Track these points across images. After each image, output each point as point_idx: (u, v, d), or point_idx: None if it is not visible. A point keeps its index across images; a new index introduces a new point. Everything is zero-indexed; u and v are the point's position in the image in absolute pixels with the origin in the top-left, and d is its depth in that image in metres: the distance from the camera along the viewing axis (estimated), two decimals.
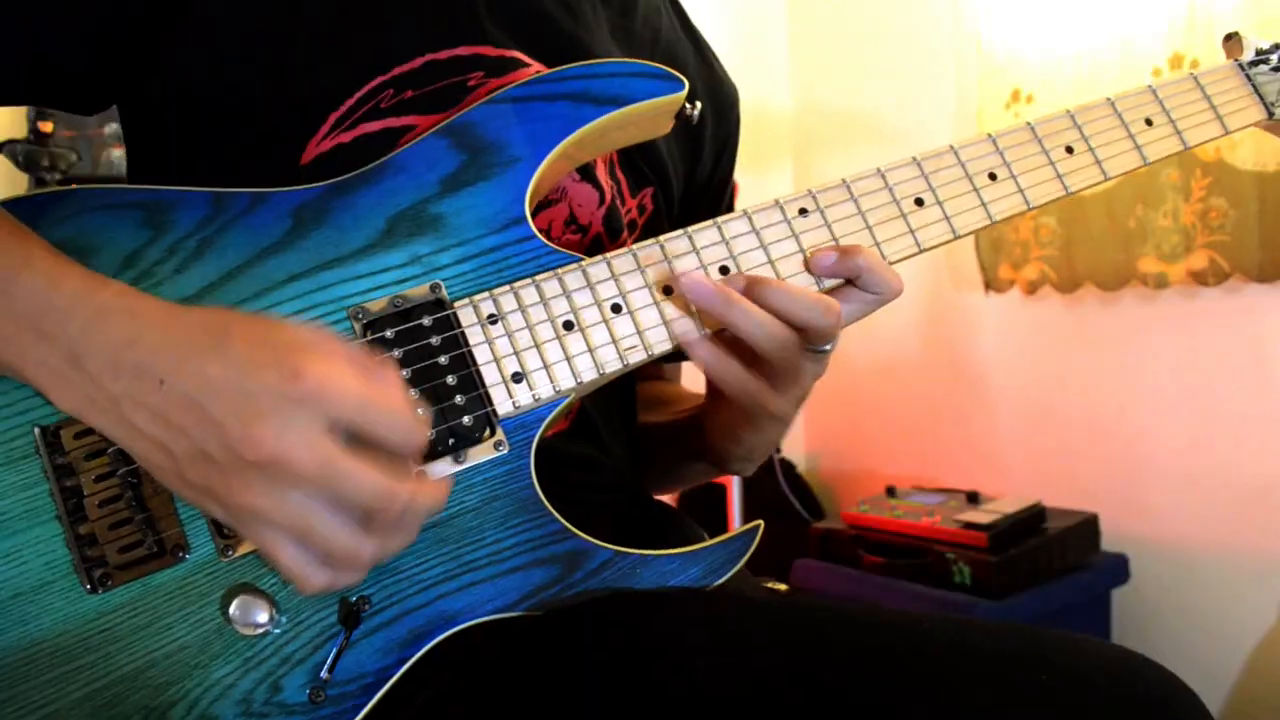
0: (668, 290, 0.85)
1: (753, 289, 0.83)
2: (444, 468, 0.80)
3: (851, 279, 0.87)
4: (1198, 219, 2.40)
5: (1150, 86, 0.99)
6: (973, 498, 2.58)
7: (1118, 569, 2.53)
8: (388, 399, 0.68)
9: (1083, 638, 0.74)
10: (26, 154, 2.20)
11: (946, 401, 3.09)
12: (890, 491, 2.75)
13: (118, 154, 2.40)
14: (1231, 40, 1.05)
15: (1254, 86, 1.02)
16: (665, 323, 0.85)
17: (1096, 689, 0.68)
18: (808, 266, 0.87)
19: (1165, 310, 2.56)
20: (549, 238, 0.86)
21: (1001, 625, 0.76)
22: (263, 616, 0.76)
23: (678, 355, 0.90)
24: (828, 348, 0.87)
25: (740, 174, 1.25)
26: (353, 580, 0.72)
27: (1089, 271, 2.65)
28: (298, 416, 0.65)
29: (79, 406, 0.71)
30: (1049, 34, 2.66)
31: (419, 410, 0.73)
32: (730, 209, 1.23)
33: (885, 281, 0.86)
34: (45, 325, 0.71)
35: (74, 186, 0.81)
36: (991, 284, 2.89)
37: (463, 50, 0.90)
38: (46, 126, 2.21)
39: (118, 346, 0.70)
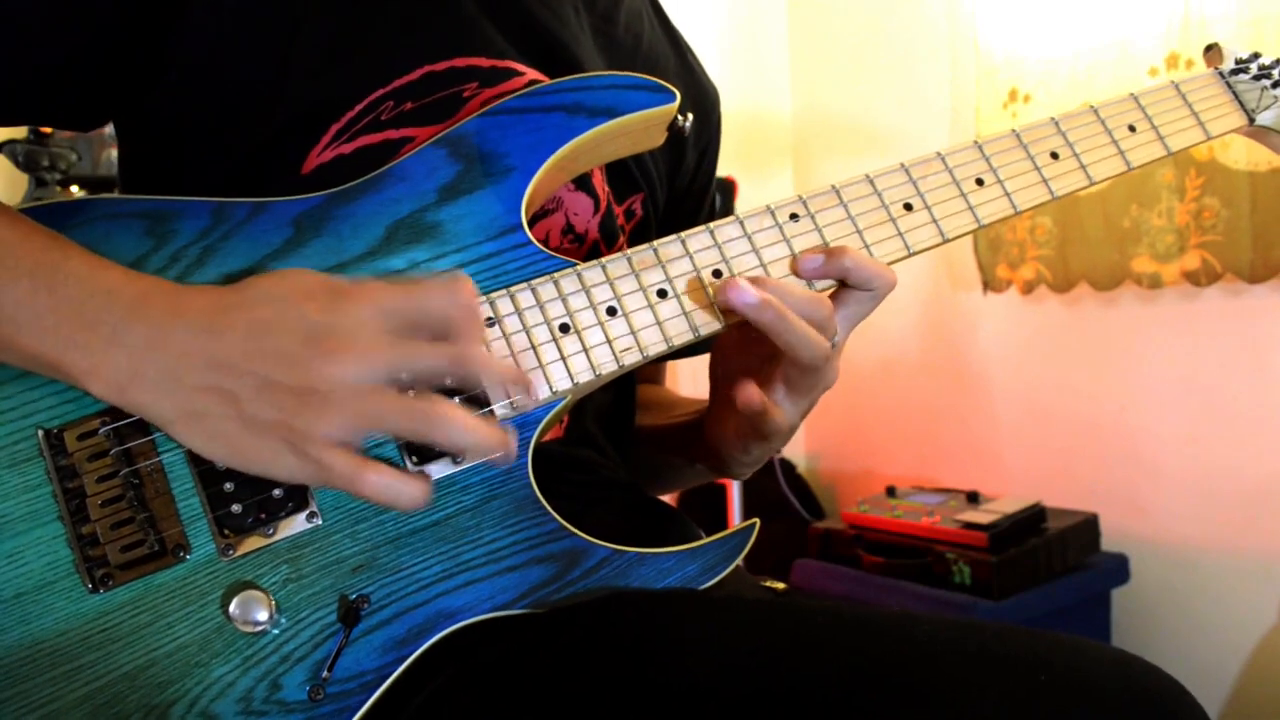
0: (662, 293, 0.86)
1: (839, 257, 0.86)
2: (442, 468, 0.81)
3: (841, 279, 0.88)
4: (1191, 218, 2.40)
5: (1132, 94, 1.01)
6: (973, 498, 2.59)
7: (1118, 569, 2.53)
8: (420, 282, 0.74)
9: (1083, 640, 0.74)
10: (26, 154, 2.21)
11: (946, 401, 3.10)
12: (890, 491, 2.76)
13: (118, 154, 2.39)
14: (1212, 51, 1.07)
15: (1234, 94, 1.04)
16: (660, 324, 0.86)
17: (1096, 692, 0.68)
18: (795, 270, 0.88)
19: (1165, 310, 2.56)
20: (547, 247, 0.87)
21: (1001, 627, 0.76)
22: (262, 615, 0.77)
23: (672, 356, 0.91)
24: (831, 345, 0.88)
25: (741, 177, 1.26)
26: (412, 499, 0.74)
27: (1084, 271, 2.65)
28: (355, 321, 0.71)
29: (120, 385, 0.74)
30: (1046, 34, 2.67)
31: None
32: (712, 213, 1.24)
33: (876, 275, 0.87)
34: (87, 313, 0.73)
35: (76, 197, 0.82)
36: (990, 284, 2.90)
37: (459, 61, 0.91)
38: (46, 127, 2.21)
39: (162, 319, 0.73)
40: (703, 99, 1.19)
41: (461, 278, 0.75)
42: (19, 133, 2.22)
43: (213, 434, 0.74)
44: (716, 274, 0.87)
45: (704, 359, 1.00)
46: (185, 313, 0.73)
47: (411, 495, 0.74)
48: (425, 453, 0.80)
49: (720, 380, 1.00)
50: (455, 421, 0.72)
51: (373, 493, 0.73)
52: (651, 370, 1.28)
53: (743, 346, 0.92)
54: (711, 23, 3.33)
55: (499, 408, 0.82)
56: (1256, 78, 1.05)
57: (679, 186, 1.16)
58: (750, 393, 0.87)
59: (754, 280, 0.84)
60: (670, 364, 1.28)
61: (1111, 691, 0.69)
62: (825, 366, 0.88)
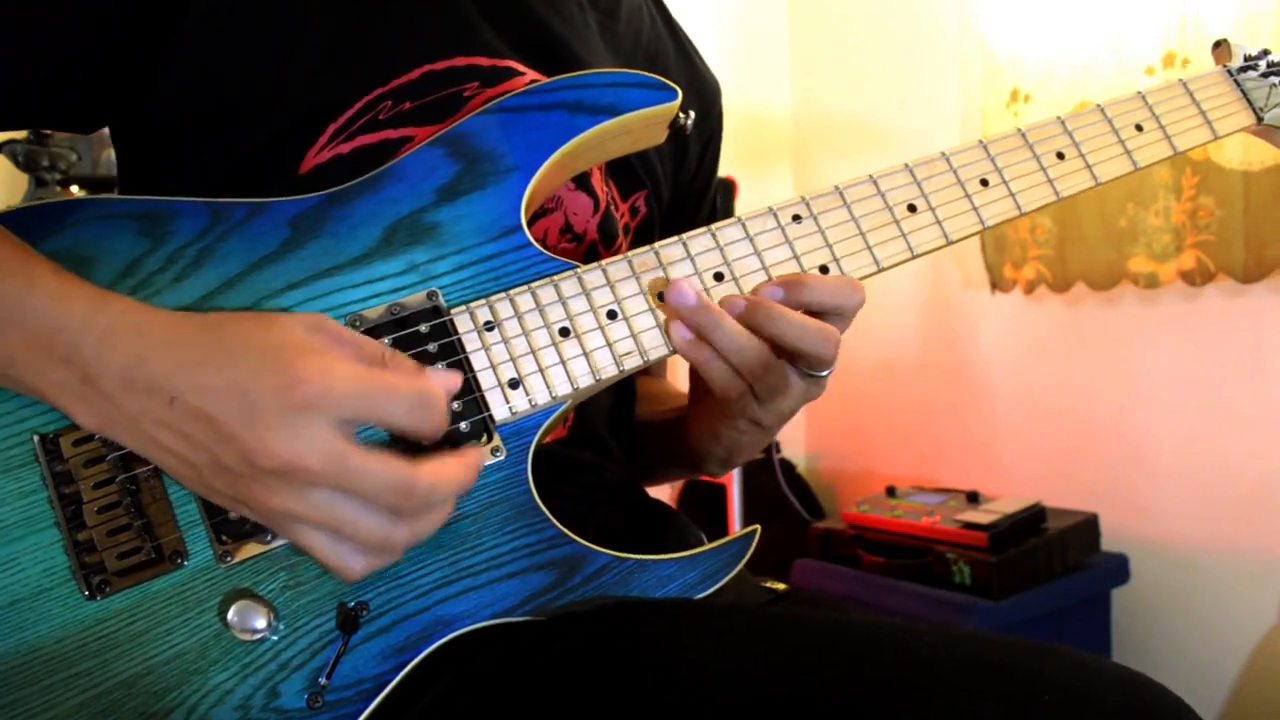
0: (663, 296, 0.85)
1: (755, 313, 0.84)
2: None
3: (805, 309, 0.86)
4: (1187, 218, 2.40)
5: (1140, 93, 0.99)
6: (973, 498, 2.58)
7: (1118, 569, 2.52)
8: (389, 386, 0.70)
9: (1088, 656, 0.73)
10: (26, 154, 2.20)
11: (946, 401, 3.10)
12: (890, 491, 2.75)
13: (115, 155, 2.39)
14: (1220, 47, 1.06)
15: (1243, 92, 1.03)
16: (660, 327, 0.85)
17: (1097, 706, 0.68)
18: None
19: (1166, 310, 2.56)
20: (545, 246, 0.86)
21: (1002, 639, 0.75)
22: (261, 622, 0.76)
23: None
24: (825, 373, 0.88)
25: (741, 177, 1.26)
26: (392, 560, 0.74)
27: (1081, 271, 2.65)
28: (304, 423, 0.67)
29: (103, 425, 0.73)
30: (1045, 33, 2.66)
31: (439, 378, 0.74)
32: (714, 208, 1.24)
33: (840, 299, 0.86)
34: (58, 349, 0.72)
35: (73, 197, 0.81)
36: (998, 284, 2.89)
37: (459, 61, 0.91)
38: (45, 129, 2.21)
39: (127, 366, 0.71)
40: (704, 92, 1.18)
41: (433, 395, 0.71)
42: (19, 133, 2.22)
43: (186, 481, 0.74)
44: (718, 276, 0.87)
45: None
46: (145, 361, 0.71)
47: (354, 574, 0.73)
48: (419, 447, 0.79)
49: (698, 377, 1.00)
50: (444, 487, 0.72)
51: (321, 564, 0.73)
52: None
53: None
54: (711, 22, 3.32)
55: (498, 412, 0.81)
56: (1265, 75, 1.03)
57: (682, 182, 1.16)
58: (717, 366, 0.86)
59: (760, 305, 0.84)
60: (672, 358, 1.28)
61: (1112, 706, 0.68)
62: (789, 378, 0.88)
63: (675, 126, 0.92)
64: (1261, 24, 2.22)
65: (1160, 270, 2.47)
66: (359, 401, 0.68)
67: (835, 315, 0.86)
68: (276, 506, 0.69)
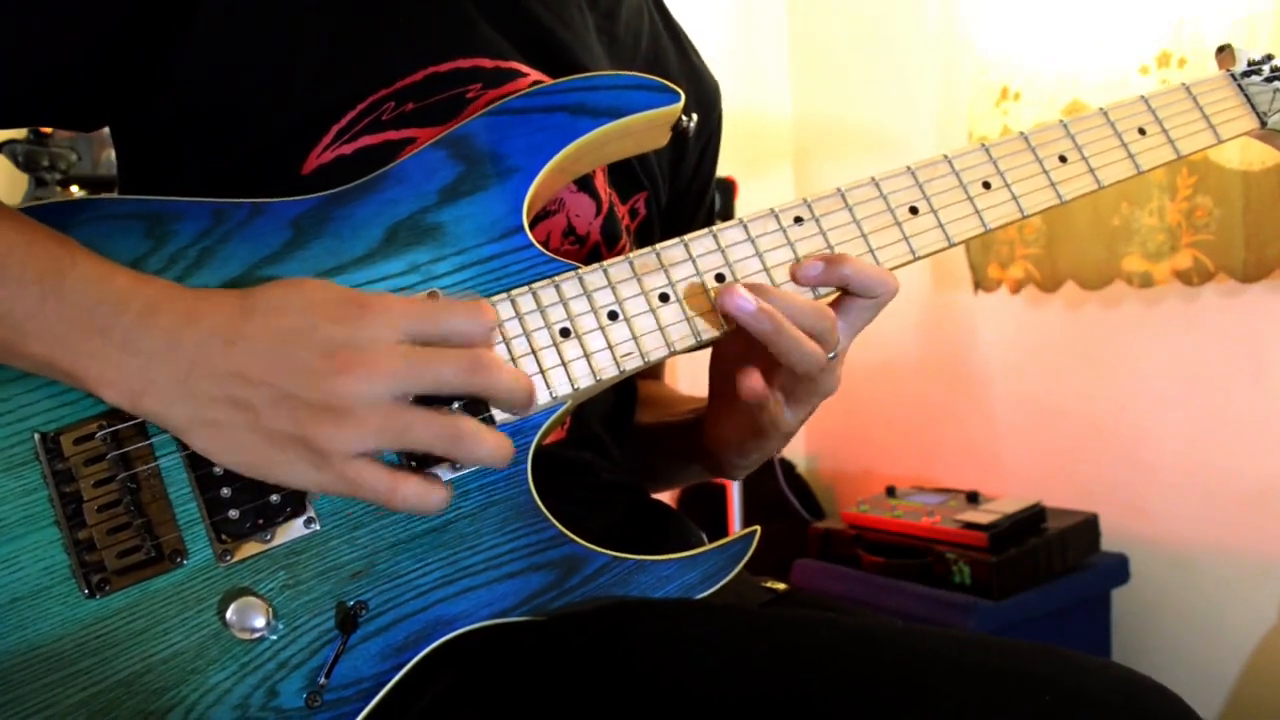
0: (664, 297, 0.85)
1: (839, 265, 0.86)
2: (441, 474, 0.80)
3: (842, 287, 0.87)
4: (1184, 217, 2.39)
5: (1143, 96, 0.99)
6: (973, 498, 2.58)
7: (1118, 569, 2.52)
8: (445, 304, 0.75)
9: (1088, 657, 0.73)
10: (26, 154, 2.20)
11: (946, 401, 3.09)
12: (890, 491, 2.75)
13: (116, 155, 2.39)
14: (1224, 52, 1.06)
15: (1246, 96, 1.03)
16: (662, 329, 0.85)
17: (1100, 709, 0.68)
18: (794, 277, 0.87)
19: (1165, 310, 2.56)
20: (548, 248, 0.86)
21: (1004, 642, 0.75)
22: (260, 621, 0.76)
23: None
24: (832, 356, 0.88)
25: (741, 178, 1.26)
26: (440, 504, 0.75)
27: (1071, 270, 2.64)
28: (373, 336, 0.71)
29: (133, 392, 0.73)
30: (1036, 31, 2.65)
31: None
32: (712, 209, 1.24)
33: (878, 282, 0.87)
34: (98, 319, 0.72)
35: (74, 198, 0.81)
36: (981, 284, 2.89)
37: (462, 62, 0.91)
38: (46, 127, 2.21)
39: (176, 326, 0.72)
40: (704, 94, 1.18)
41: (484, 304, 0.76)
42: (19, 133, 2.22)
43: (230, 444, 0.73)
44: (719, 278, 0.87)
45: (704, 356, 0.99)
46: (199, 319, 0.73)
47: (440, 502, 0.75)
48: (425, 459, 0.79)
49: (719, 380, 1.00)
50: (481, 440, 0.73)
51: (405, 505, 0.74)
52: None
53: (745, 348, 0.92)
54: (711, 23, 3.32)
55: (499, 413, 0.81)
56: (1269, 79, 1.03)
57: (680, 183, 1.16)
58: (754, 380, 0.86)
59: (754, 288, 0.83)
60: (670, 360, 1.28)
61: (1113, 707, 0.68)
62: (824, 375, 0.88)
63: (678, 129, 0.92)
64: (1260, 25, 2.21)
65: (1154, 269, 2.46)
66: (420, 317, 0.73)
67: (866, 300, 0.88)
68: (331, 431, 0.70)
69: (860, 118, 3.29)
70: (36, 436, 0.77)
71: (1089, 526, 2.52)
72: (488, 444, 0.73)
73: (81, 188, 2.32)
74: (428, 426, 0.72)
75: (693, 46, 1.19)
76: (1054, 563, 2.42)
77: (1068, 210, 2.61)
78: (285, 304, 0.73)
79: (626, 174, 1.04)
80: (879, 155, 3.13)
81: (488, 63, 0.92)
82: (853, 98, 3.32)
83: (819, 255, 0.88)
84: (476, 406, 0.80)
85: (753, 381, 0.86)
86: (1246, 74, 1.04)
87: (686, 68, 1.16)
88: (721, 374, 0.99)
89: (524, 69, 0.94)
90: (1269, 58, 1.04)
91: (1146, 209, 2.46)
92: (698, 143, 1.17)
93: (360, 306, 0.72)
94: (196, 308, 0.73)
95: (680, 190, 1.16)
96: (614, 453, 1.05)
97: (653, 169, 1.07)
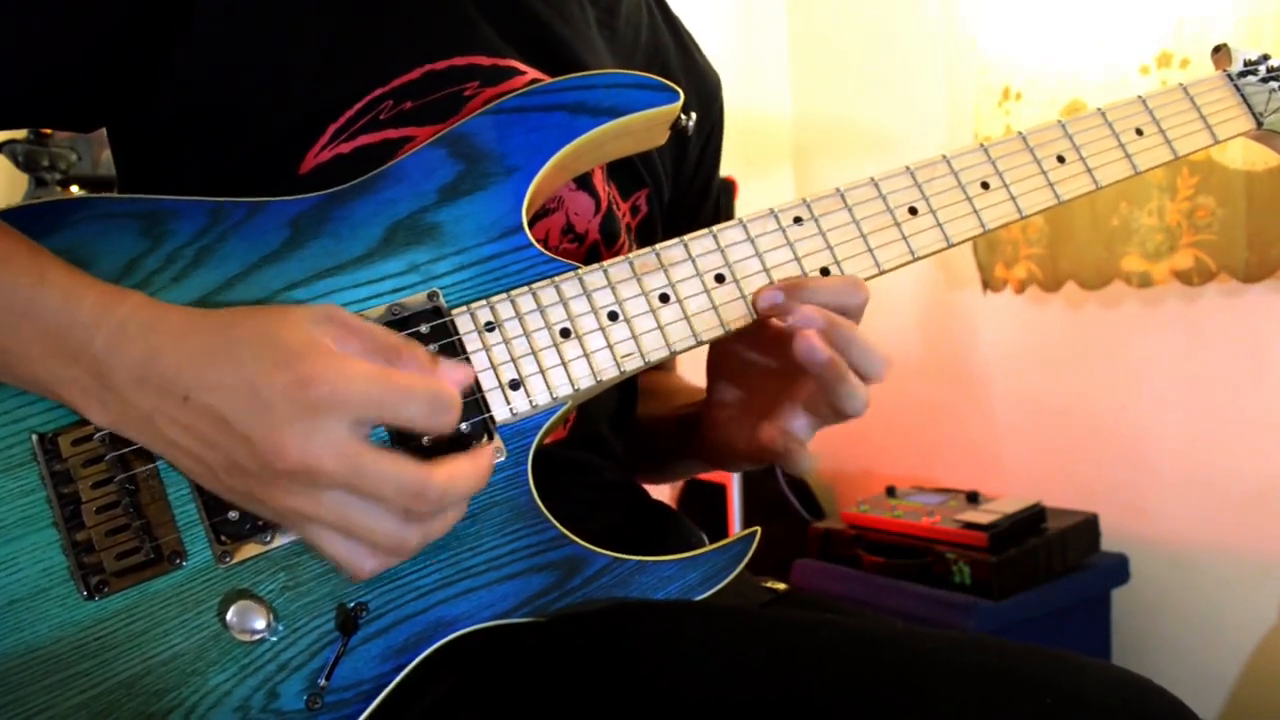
0: (664, 298, 0.85)
1: (798, 292, 0.85)
2: None
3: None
4: (1184, 218, 2.39)
5: (1140, 97, 1.00)
6: (973, 498, 2.58)
7: (1118, 569, 2.52)
8: (404, 388, 0.69)
9: (1089, 660, 0.73)
10: (26, 154, 2.20)
11: (946, 401, 3.09)
12: (890, 491, 2.75)
13: (113, 155, 2.38)
14: (1220, 52, 1.06)
15: (1243, 97, 1.03)
16: (662, 329, 0.85)
17: (1101, 713, 0.67)
18: (755, 307, 0.87)
19: (1166, 310, 2.55)
20: (547, 247, 0.86)
21: (1005, 644, 0.75)
22: (260, 623, 0.76)
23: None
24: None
25: (741, 178, 1.25)
26: (403, 560, 0.74)
27: (1072, 270, 2.64)
28: (317, 424, 0.67)
29: (117, 423, 0.73)
30: (1038, 31, 2.65)
31: (454, 373, 0.73)
32: (716, 206, 1.23)
33: (844, 296, 0.86)
34: (70, 346, 0.72)
35: (73, 196, 0.81)
36: (989, 284, 2.89)
37: (459, 60, 0.91)
38: (45, 128, 2.20)
39: (139, 363, 0.71)
40: (704, 88, 1.18)
41: (446, 386, 0.71)
42: (19, 133, 2.22)
43: (201, 479, 0.74)
44: (719, 278, 0.86)
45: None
46: (157, 358, 0.70)
47: (366, 573, 0.73)
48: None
49: (718, 377, 0.99)
50: (450, 488, 0.71)
51: (334, 563, 0.73)
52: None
53: (747, 345, 0.92)
54: (711, 23, 3.32)
55: (499, 413, 0.81)
56: (1265, 80, 1.03)
57: (683, 179, 1.16)
58: (773, 435, 0.89)
59: (798, 285, 0.85)
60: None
61: (1113, 710, 0.68)
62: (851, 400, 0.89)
63: (677, 127, 0.92)
64: (1264, 26, 2.21)
65: (1154, 269, 2.46)
66: (372, 403, 0.68)
67: (840, 316, 0.86)
68: (291, 506, 0.69)
69: (860, 118, 3.28)
70: (34, 437, 0.77)
71: (1089, 526, 2.52)
72: (459, 493, 0.72)
73: (81, 188, 2.31)
74: (381, 530, 0.71)
75: (693, 41, 1.19)
76: (1054, 563, 2.41)
77: (1068, 210, 2.60)
78: (235, 354, 0.70)
79: (628, 171, 1.04)
80: (879, 155, 3.13)
81: (485, 60, 0.92)
82: (853, 98, 3.32)
83: (779, 284, 0.87)
84: (476, 408, 0.80)
85: (771, 437, 0.89)
86: (1243, 74, 1.04)
87: (687, 63, 1.16)
88: (721, 372, 0.99)
89: (522, 67, 0.93)
90: (1265, 58, 1.04)
91: (1145, 209, 2.46)
92: (699, 138, 1.17)
93: (305, 386, 0.67)
94: (159, 345, 0.71)
95: (683, 186, 1.16)
96: (617, 452, 1.05)
97: (655, 166, 1.07)
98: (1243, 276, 2.32)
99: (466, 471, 0.72)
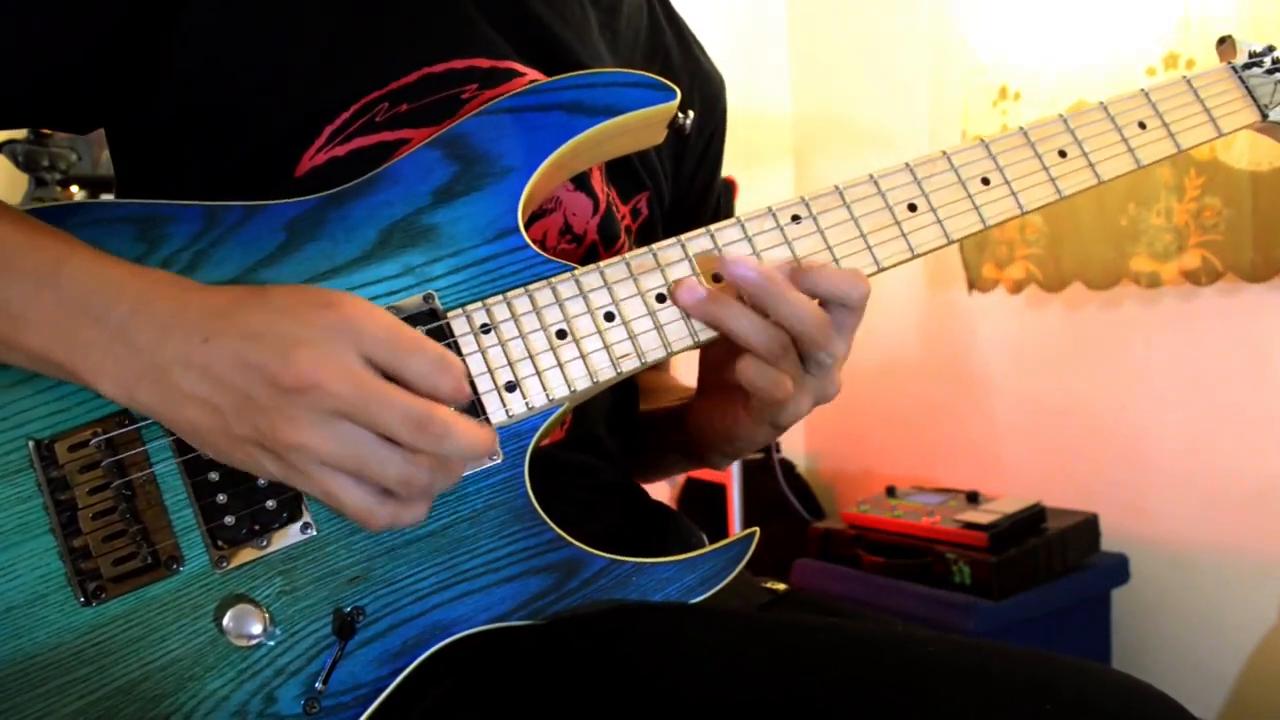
0: (661, 298, 0.85)
1: (799, 277, 0.84)
2: None
3: (811, 295, 0.85)
4: (1191, 218, 2.39)
5: (1143, 90, 0.98)
6: (973, 498, 2.58)
7: (1118, 569, 2.52)
8: (418, 340, 0.72)
9: (1090, 663, 0.73)
10: (26, 154, 2.19)
11: (946, 401, 3.09)
12: (890, 491, 2.75)
13: (111, 158, 2.38)
14: (1225, 44, 1.05)
15: (1248, 89, 1.02)
16: (659, 329, 0.85)
17: (1102, 719, 0.67)
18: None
19: (1166, 310, 2.55)
20: (544, 247, 0.86)
21: (1006, 648, 0.75)
22: (257, 628, 0.76)
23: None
24: (829, 359, 0.86)
25: (741, 176, 1.25)
26: (415, 517, 0.74)
27: (1078, 270, 2.64)
28: (332, 344, 0.69)
29: (125, 384, 0.72)
30: (1041, 32, 2.65)
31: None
32: (717, 207, 1.23)
33: (849, 286, 0.85)
34: (94, 307, 0.72)
35: (68, 201, 0.81)
36: (975, 283, 2.88)
37: (457, 63, 0.90)
38: (44, 128, 2.20)
39: (166, 317, 0.72)
40: (707, 89, 1.17)
41: (451, 358, 0.72)
42: (19, 133, 2.21)
43: (212, 445, 0.73)
44: (716, 278, 0.86)
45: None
46: (188, 311, 0.72)
47: (379, 522, 0.73)
48: None
49: (708, 371, 0.99)
50: (454, 439, 0.71)
51: (346, 509, 0.72)
52: None
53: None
54: (712, 21, 3.32)
55: (495, 416, 0.81)
56: (1270, 71, 1.02)
57: (683, 180, 1.15)
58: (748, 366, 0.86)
59: (803, 269, 0.84)
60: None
61: (1114, 714, 0.68)
62: (820, 381, 0.88)
63: (674, 126, 0.92)
64: (1267, 28, 2.21)
65: (1162, 270, 2.46)
66: (388, 339, 0.70)
67: (840, 307, 0.85)
68: (298, 439, 0.69)
69: (861, 116, 3.29)
70: (31, 443, 0.76)
71: (1089, 526, 2.52)
72: (461, 441, 0.71)
73: (81, 188, 2.31)
74: (387, 463, 0.71)
75: (696, 41, 1.18)
76: (1054, 563, 2.41)
77: (1074, 210, 2.61)
78: (264, 301, 0.72)
79: (628, 173, 1.04)
80: (880, 154, 3.13)
81: (484, 63, 0.91)
82: (854, 96, 3.32)
83: (782, 264, 0.86)
84: (473, 408, 0.80)
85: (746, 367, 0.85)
86: (1248, 66, 1.02)
87: (689, 63, 1.15)
88: (710, 365, 0.99)
89: (521, 68, 0.93)
90: (1270, 49, 1.03)
91: (1153, 209, 2.46)
92: (700, 138, 1.16)
93: (326, 308, 0.71)
94: (188, 299, 0.73)
95: (683, 187, 1.15)
96: (614, 454, 1.05)
97: (655, 168, 1.07)
98: (1249, 276, 2.32)
99: (469, 423, 0.72)
